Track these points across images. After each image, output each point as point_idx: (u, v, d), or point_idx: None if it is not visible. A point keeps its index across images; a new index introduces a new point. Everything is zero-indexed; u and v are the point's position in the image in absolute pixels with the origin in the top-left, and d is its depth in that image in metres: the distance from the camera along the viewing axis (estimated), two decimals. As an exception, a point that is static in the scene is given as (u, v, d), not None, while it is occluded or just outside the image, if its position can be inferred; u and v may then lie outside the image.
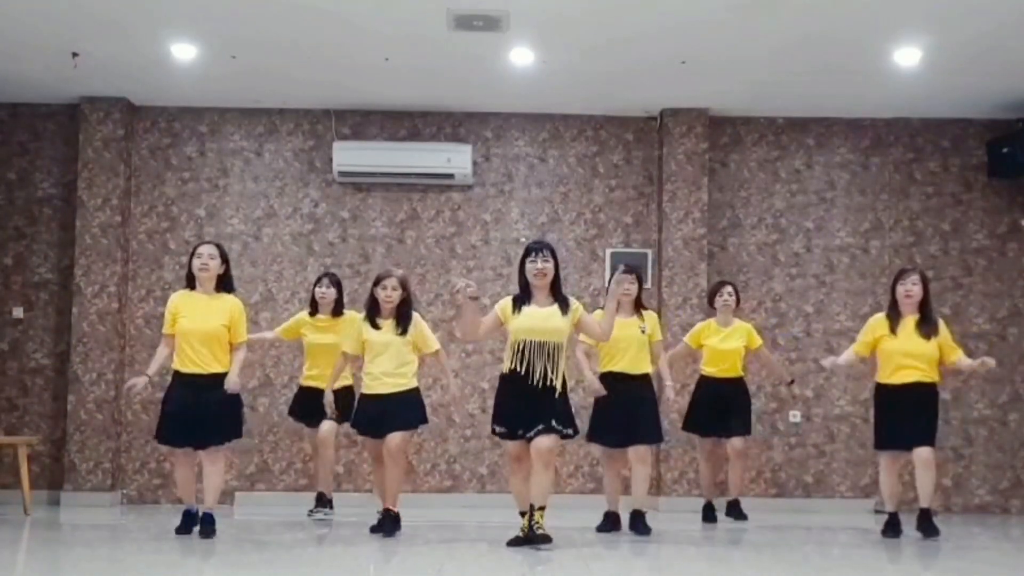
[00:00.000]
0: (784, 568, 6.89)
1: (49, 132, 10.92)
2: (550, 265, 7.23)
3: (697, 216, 10.73)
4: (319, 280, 9.34)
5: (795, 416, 10.79)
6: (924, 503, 8.05)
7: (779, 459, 10.75)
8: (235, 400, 7.63)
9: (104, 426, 10.45)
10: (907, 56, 9.31)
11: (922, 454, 8.04)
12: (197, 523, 7.63)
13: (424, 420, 7.99)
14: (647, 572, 6.70)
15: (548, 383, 7.09)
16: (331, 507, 9.21)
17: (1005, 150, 10.62)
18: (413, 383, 7.88)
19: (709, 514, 9.33)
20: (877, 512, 10.56)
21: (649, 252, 10.91)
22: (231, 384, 7.53)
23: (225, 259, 7.74)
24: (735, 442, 9.35)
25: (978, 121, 10.99)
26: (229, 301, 7.69)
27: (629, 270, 7.98)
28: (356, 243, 10.92)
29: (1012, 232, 10.99)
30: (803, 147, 11.10)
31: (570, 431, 7.17)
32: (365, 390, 7.88)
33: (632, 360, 8.12)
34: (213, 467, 7.59)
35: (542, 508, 7.09)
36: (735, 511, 9.44)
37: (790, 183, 11.07)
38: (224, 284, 7.74)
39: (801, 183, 11.07)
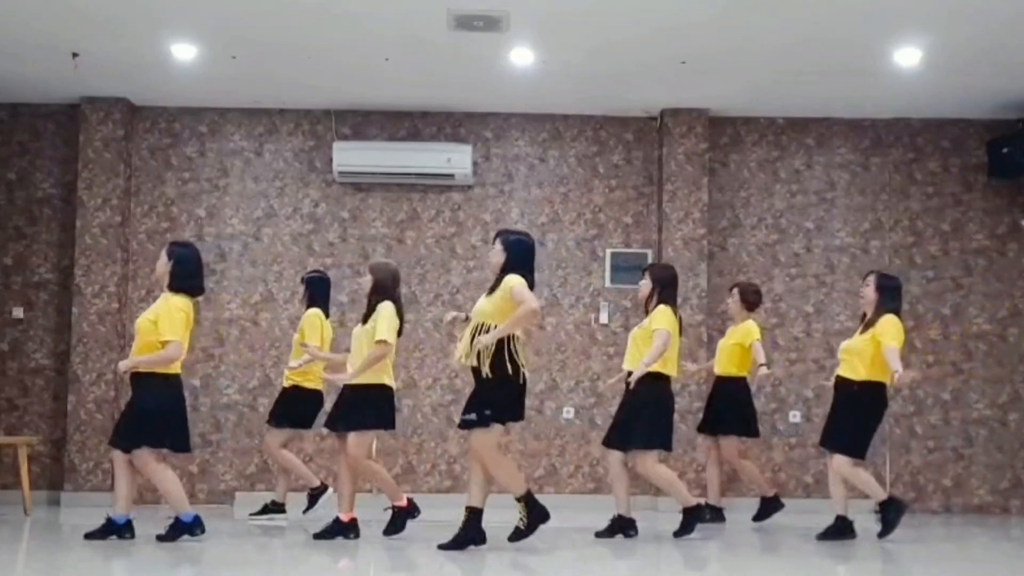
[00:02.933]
0: (784, 568, 6.89)
1: (49, 132, 10.92)
2: (491, 252, 7.38)
3: (697, 216, 10.73)
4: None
5: (795, 416, 10.78)
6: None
7: (779, 459, 10.74)
8: (137, 407, 7.33)
9: (104, 426, 10.43)
10: (907, 56, 9.31)
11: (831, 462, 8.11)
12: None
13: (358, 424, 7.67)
14: (647, 572, 6.70)
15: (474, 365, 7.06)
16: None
17: (1005, 150, 10.62)
18: (368, 379, 7.59)
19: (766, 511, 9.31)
20: (877, 512, 10.55)
21: (649, 252, 10.91)
22: (120, 365, 7.45)
23: (171, 255, 7.41)
24: (720, 442, 9.36)
25: (978, 121, 10.99)
26: (161, 299, 7.39)
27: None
28: (356, 243, 10.91)
29: (1012, 232, 10.99)
30: (803, 147, 11.10)
31: (469, 416, 7.04)
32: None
33: (631, 358, 8.06)
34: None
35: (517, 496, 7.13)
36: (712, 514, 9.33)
37: (790, 183, 11.07)
38: (169, 283, 7.39)
39: (801, 183, 11.07)
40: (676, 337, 7.95)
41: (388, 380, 7.67)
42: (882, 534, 7.95)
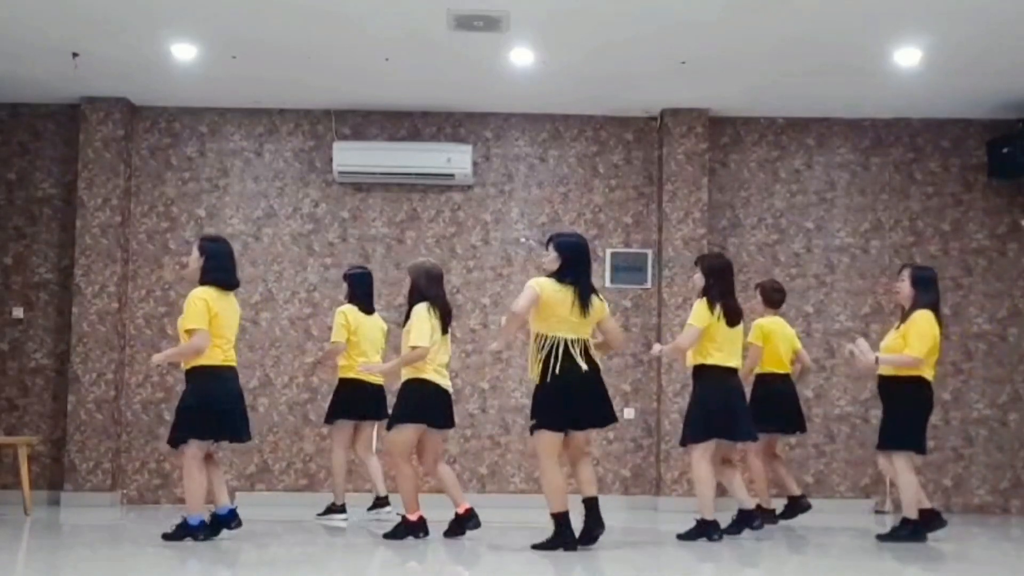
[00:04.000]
0: (784, 568, 6.88)
1: (49, 132, 10.92)
2: (546, 259, 7.26)
3: (697, 216, 10.73)
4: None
5: (795, 416, 10.77)
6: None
7: (779, 459, 10.73)
8: (181, 402, 7.36)
9: (104, 426, 10.45)
10: (907, 56, 9.32)
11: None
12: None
13: (394, 419, 7.74)
14: (647, 572, 6.69)
15: None
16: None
17: (1005, 150, 10.62)
18: (405, 375, 7.71)
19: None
20: (877, 512, 10.57)
21: (649, 252, 10.91)
22: (153, 358, 7.65)
23: (202, 250, 7.43)
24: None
25: (978, 121, 11.00)
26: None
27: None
28: (356, 243, 10.92)
29: (1012, 232, 11.00)
30: (803, 147, 11.10)
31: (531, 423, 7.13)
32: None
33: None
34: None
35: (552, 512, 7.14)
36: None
37: (790, 183, 11.07)
38: (200, 277, 7.42)
39: (801, 183, 11.07)
40: (718, 328, 7.76)
41: (428, 376, 7.61)
42: (885, 538, 7.92)
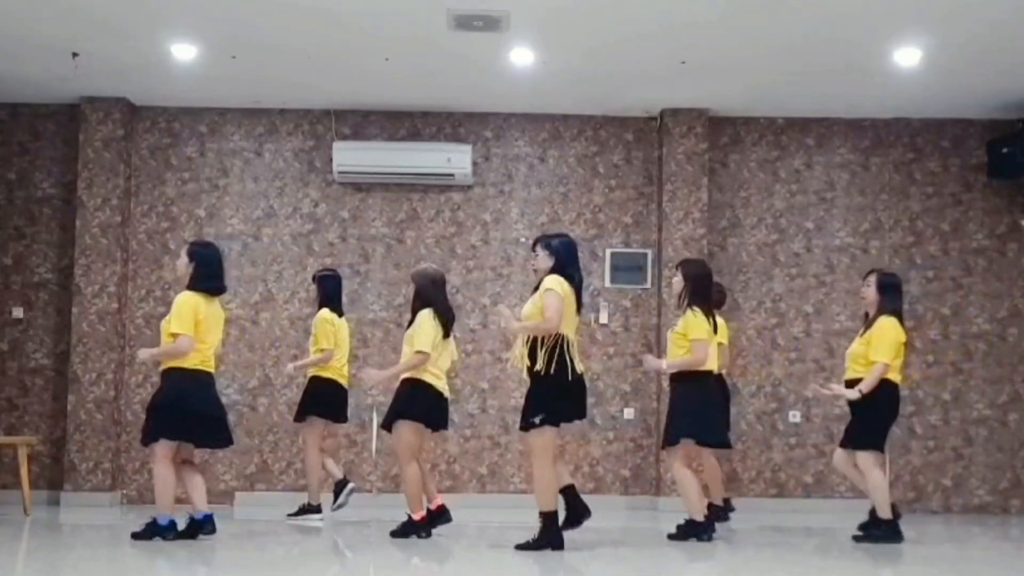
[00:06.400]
0: (784, 568, 6.89)
1: (49, 132, 10.92)
2: (536, 259, 7.27)
3: (697, 216, 10.73)
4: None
5: (795, 416, 10.79)
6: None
7: (779, 459, 10.75)
8: (153, 401, 7.43)
9: (104, 426, 10.45)
10: (907, 56, 9.32)
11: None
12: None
13: (392, 417, 7.77)
14: (647, 572, 6.70)
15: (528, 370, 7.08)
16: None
17: (1005, 150, 10.62)
18: (406, 375, 7.77)
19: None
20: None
21: (649, 252, 10.91)
22: (139, 353, 7.69)
23: (192, 256, 7.46)
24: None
25: (978, 121, 10.99)
26: (177, 296, 7.44)
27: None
28: (356, 243, 10.92)
29: (1012, 232, 10.99)
30: (803, 147, 11.10)
31: (533, 420, 7.01)
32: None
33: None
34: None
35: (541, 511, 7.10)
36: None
37: (790, 183, 11.07)
38: (189, 283, 7.43)
39: (801, 183, 11.07)
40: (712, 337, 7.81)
41: (425, 378, 7.66)
42: (859, 539, 7.87)
